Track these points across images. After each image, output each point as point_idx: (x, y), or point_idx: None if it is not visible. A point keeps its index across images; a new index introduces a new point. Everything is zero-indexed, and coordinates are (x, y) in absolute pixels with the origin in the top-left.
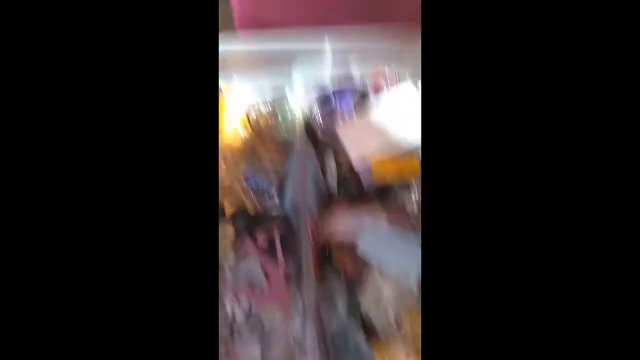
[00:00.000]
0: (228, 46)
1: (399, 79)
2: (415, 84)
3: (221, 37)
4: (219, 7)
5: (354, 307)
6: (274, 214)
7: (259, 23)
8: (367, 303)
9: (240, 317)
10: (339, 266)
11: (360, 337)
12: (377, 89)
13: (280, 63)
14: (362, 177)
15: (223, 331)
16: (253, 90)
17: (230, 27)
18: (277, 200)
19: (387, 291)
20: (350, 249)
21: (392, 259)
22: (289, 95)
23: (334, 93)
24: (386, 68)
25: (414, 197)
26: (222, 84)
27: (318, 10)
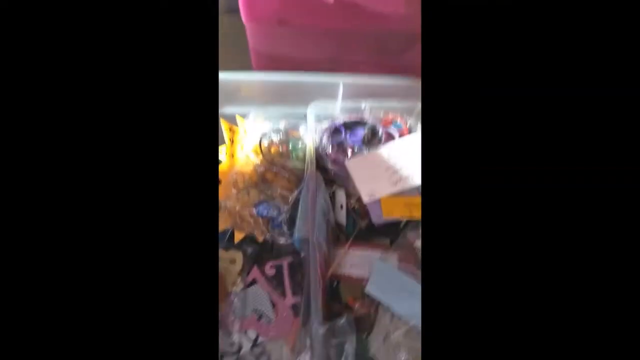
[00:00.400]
0: (243, 77)
1: (410, 129)
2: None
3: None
4: (237, 48)
5: (362, 347)
6: (283, 243)
7: (275, 62)
8: (376, 344)
9: (246, 346)
10: (347, 303)
11: None
12: (388, 125)
13: (293, 94)
14: (371, 212)
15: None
16: (266, 119)
17: (248, 67)
18: (286, 229)
19: (396, 332)
20: (359, 285)
21: (401, 300)
22: (301, 124)
23: (344, 125)
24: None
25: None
26: (237, 113)
27: (332, 51)
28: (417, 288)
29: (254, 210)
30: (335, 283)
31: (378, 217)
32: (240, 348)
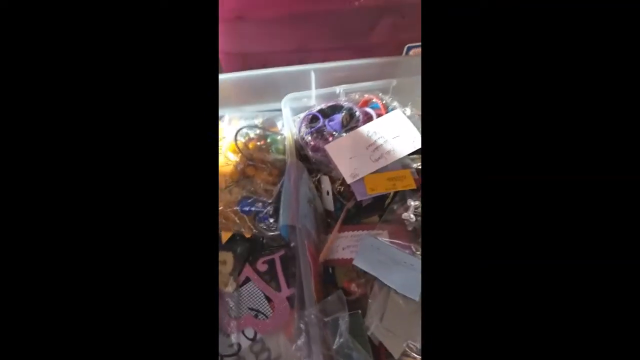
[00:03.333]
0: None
1: (387, 107)
2: (404, 111)
3: None
4: None
5: (357, 326)
6: (272, 236)
7: (243, 60)
8: (372, 322)
9: (245, 344)
10: (342, 285)
11: (365, 356)
12: (365, 106)
13: (267, 90)
14: (355, 191)
15: None
16: (242, 119)
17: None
18: (272, 222)
19: (393, 309)
20: (353, 267)
21: (391, 272)
22: (278, 119)
23: (321, 112)
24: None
25: (410, 208)
26: None
27: (297, 40)
28: (407, 259)
29: (238, 208)
30: (330, 269)
31: (362, 195)
32: (239, 348)
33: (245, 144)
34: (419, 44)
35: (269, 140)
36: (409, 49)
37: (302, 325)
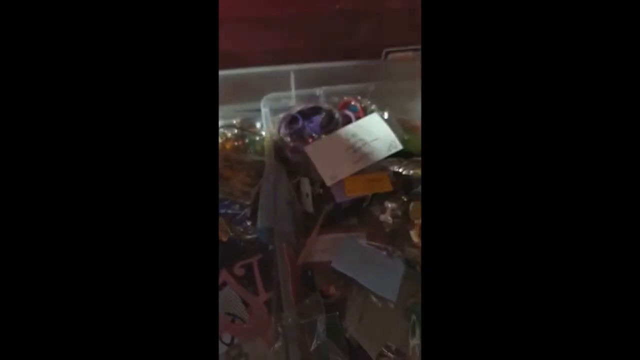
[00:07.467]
0: None
1: (365, 110)
2: (382, 115)
3: None
4: None
5: (336, 329)
6: (249, 239)
7: (224, 59)
8: (351, 323)
9: (222, 350)
10: (321, 288)
11: (342, 357)
12: (344, 109)
13: (245, 90)
14: (334, 193)
15: None
16: (220, 119)
17: None
18: (250, 225)
19: (370, 310)
20: (331, 269)
21: (369, 274)
22: (257, 119)
23: (300, 114)
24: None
25: (387, 211)
26: None
27: (276, 42)
28: (385, 261)
29: None
30: (309, 272)
31: (341, 197)
32: None
33: (223, 144)
34: (397, 48)
35: (247, 140)
36: (387, 53)
37: (279, 329)
